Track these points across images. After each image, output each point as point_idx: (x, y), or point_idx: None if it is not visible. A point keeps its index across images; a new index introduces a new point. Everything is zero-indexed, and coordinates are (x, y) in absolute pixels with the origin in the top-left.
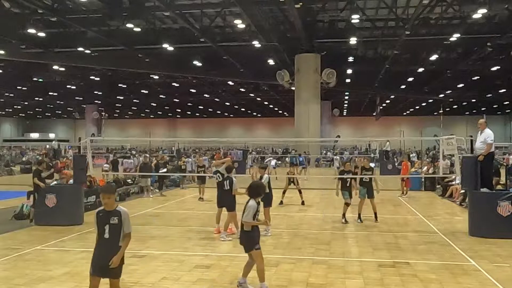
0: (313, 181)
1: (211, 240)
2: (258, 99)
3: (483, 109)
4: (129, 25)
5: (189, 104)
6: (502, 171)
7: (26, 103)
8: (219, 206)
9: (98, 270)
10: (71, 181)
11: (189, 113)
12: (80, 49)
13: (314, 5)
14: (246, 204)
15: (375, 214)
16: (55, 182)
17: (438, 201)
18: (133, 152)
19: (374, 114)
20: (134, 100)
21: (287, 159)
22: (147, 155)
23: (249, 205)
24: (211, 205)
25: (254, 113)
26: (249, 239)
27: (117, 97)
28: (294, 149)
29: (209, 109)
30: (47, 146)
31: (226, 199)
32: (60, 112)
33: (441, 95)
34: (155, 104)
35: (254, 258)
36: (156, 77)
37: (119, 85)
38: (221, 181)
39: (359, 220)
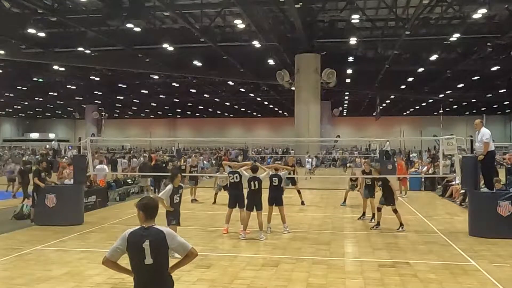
0: (313, 181)
1: (211, 240)
2: (258, 99)
3: (483, 109)
4: (129, 25)
5: (189, 104)
6: (501, 171)
7: (26, 103)
8: (239, 206)
9: None
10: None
11: (189, 113)
12: (80, 49)
13: (314, 5)
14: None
15: (373, 214)
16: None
17: (438, 201)
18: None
19: (374, 114)
20: (134, 100)
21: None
22: (146, 155)
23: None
24: (210, 205)
25: (254, 113)
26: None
27: (117, 97)
28: (293, 149)
29: (209, 109)
30: (47, 146)
31: (255, 198)
32: (60, 112)
33: (441, 95)
34: (155, 104)
35: None
36: (156, 77)
37: (119, 85)
38: (238, 181)
39: (362, 217)
